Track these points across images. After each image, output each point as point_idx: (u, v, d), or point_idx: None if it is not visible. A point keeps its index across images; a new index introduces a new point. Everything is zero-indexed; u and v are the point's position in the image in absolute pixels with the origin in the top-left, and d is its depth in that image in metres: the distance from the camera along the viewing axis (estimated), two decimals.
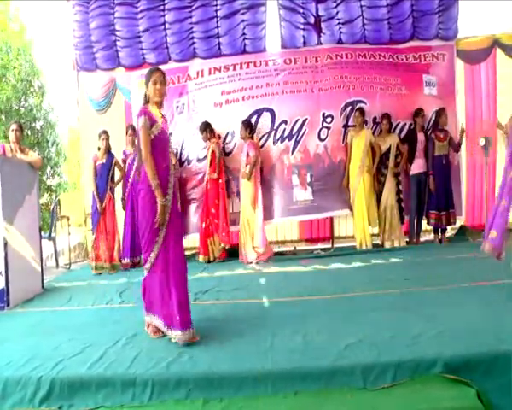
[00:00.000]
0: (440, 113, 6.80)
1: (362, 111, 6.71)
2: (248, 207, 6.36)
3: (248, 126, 6.46)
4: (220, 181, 6.53)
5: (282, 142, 6.94)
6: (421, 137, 6.76)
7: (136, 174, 6.11)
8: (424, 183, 6.76)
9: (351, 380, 2.51)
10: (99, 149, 6.27)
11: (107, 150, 6.29)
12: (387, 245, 6.62)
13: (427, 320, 3.26)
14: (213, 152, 6.49)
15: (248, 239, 6.35)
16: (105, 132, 6.27)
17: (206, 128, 6.59)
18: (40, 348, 3.17)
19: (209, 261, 6.49)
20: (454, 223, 6.95)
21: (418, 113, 6.80)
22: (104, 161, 6.24)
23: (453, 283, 4.32)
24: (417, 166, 6.77)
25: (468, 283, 4.29)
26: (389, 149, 6.68)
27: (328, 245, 7.34)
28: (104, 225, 6.26)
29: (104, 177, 6.21)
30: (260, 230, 6.35)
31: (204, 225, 6.54)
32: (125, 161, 6.55)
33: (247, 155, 6.35)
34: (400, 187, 6.81)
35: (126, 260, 6.49)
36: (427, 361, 2.56)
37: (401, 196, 6.78)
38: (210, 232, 6.53)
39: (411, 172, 6.80)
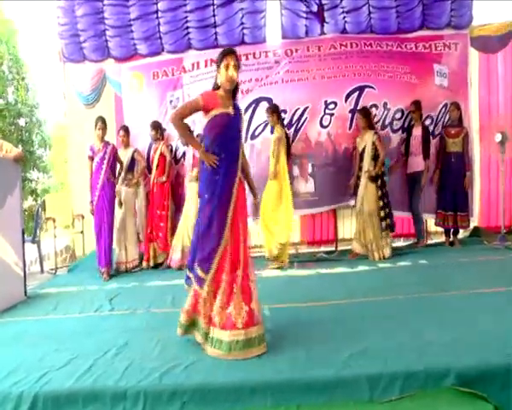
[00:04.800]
0: (451, 107, 6.81)
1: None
2: (194, 210, 6.31)
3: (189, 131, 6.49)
4: (166, 185, 6.66)
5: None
6: (416, 132, 6.68)
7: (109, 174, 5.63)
8: (420, 181, 6.68)
9: (356, 392, 2.51)
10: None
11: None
12: (376, 256, 6.21)
13: (438, 327, 3.26)
14: (162, 155, 6.62)
15: (180, 243, 6.40)
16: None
17: (158, 127, 6.71)
18: (22, 360, 3.15)
19: (151, 267, 6.60)
20: (465, 226, 6.94)
21: (414, 105, 6.72)
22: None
23: (466, 288, 4.33)
24: (412, 165, 6.72)
25: (483, 288, 4.28)
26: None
27: (332, 248, 7.34)
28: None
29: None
30: None
31: (149, 229, 6.67)
32: (92, 159, 6.24)
33: (194, 156, 6.40)
34: (385, 190, 6.33)
35: (105, 269, 6.19)
36: (438, 372, 2.55)
37: (385, 200, 6.30)
38: (153, 237, 6.66)
39: (407, 171, 6.80)
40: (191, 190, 6.44)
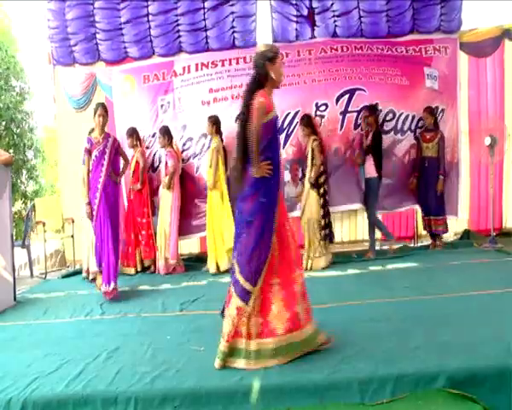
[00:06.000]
0: (424, 114, 6.78)
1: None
2: (167, 217, 6.46)
3: (166, 134, 6.52)
4: (144, 192, 6.63)
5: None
6: (369, 138, 6.51)
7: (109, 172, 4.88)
8: (373, 188, 6.50)
9: (347, 395, 2.53)
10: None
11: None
12: (309, 266, 6.10)
13: (428, 330, 3.29)
14: (137, 162, 6.60)
15: (163, 250, 6.47)
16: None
17: (133, 134, 6.65)
18: (11, 365, 3.15)
19: (137, 272, 6.58)
20: (441, 230, 6.86)
21: (367, 110, 6.61)
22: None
23: (457, 291, 4.36)
24: (366, 171, 6.58)
25: (473, 291, 4.31)
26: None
27: None
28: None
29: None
30: (174, 241, 6.48)
31: (132, 235, 6.63)
32: (89, 152, 5.19)
33: (166, 164, 6.46)
34: (327, 198, 6.22)
35: (111, 287, 5.05)
36: (429, 375, 2.58)
37: (326, 209, 6.19)
38: (138, 242, 6.64)
39: (365, 176, 6.65)
40: (163, 195, 6.52)
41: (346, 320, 3.69)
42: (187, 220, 6.79)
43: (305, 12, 7.12)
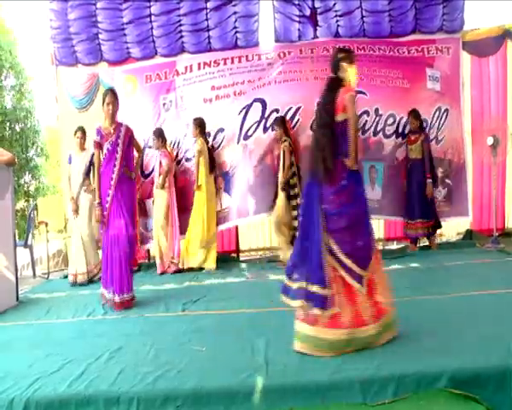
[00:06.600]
0: (409, 118, 6.77)
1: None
2: (161, 217, 6.48)
3: (160, 135, 6.57)
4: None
5: (273, 130, 6.84)
6: None
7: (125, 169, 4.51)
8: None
9: (349, 395, 2.52)
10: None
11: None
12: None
13: (429, 330, 3.28)
14: None
15: (157, 251, 6.51)
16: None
17: None
18: (13, 365, 3.15)
19: None
20: (430, 233, 6.83)
21: None
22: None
23: (459, 291, 4.35)
24: None
25: (476, 291, 4.30)
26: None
27: None
28: None
29: None
30: (176, 240, 6.52)
31: None
32: (99, 146, 4.64)
33: (160, 164, 6.49)
34: (298, 201, 5.97)
35: (130, 296, 4.71)
36: (431, 375, 2.57)
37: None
38: None
39: None
40: (157, 195, 6.53)
41: None
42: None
43: (308, 12, 7.12)
